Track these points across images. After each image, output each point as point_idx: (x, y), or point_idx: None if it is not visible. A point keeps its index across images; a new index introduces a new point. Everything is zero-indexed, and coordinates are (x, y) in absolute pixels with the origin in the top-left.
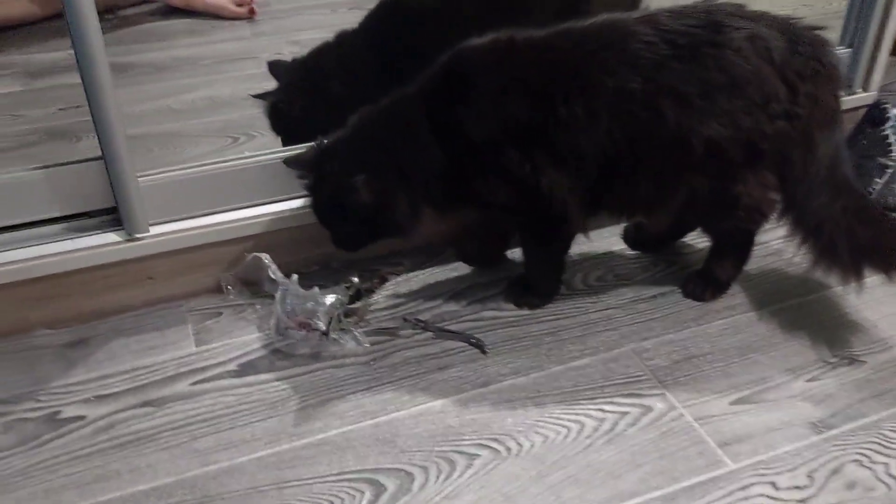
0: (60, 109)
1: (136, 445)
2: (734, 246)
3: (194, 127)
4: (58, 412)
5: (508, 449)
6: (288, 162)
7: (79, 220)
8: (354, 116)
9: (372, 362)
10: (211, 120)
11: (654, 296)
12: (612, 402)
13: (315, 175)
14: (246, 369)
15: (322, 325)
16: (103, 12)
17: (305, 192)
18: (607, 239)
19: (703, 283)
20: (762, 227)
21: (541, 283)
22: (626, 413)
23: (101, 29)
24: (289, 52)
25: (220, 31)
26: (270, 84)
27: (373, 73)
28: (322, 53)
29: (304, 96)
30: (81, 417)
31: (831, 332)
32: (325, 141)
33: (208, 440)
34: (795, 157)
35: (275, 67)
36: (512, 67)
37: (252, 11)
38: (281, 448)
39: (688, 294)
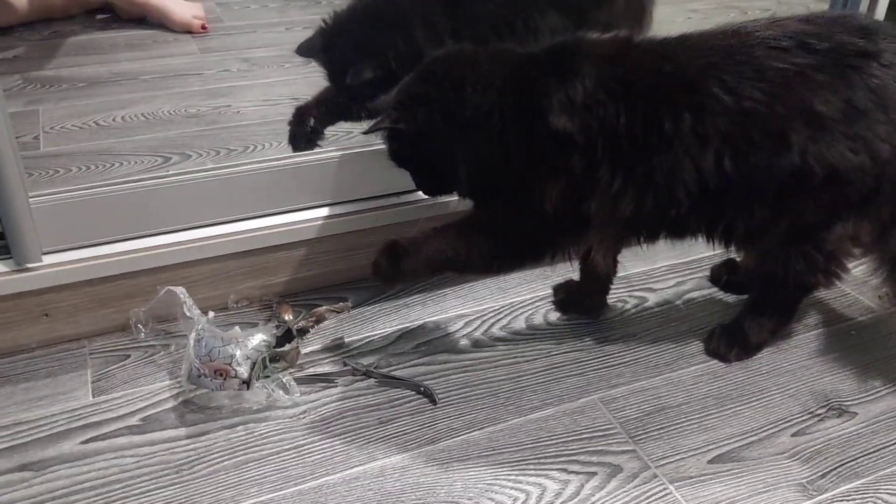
0: None
1: None
2: (780, 303)
3: (124, 145)
4: None
5: None
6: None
7: None
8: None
9: (302, 415)
10: (144, 138)
11: (622, 337)
12: (577, 461)
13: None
14: (150, 424)
15: (243, 372)
16: (35, 21)
17: None
18: (570, 274)
19: (730, 342)
20: (821, 289)
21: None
22: (592, 474)
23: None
24: (237, 70)
25: (165, 46)
26: (217, 102)
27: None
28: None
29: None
30: None
31: (817, 379)
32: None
33: None
34: None
35: (307, 49)
36: (620, 68)
37: (204, 27)
38: None
39: (710, 351)
